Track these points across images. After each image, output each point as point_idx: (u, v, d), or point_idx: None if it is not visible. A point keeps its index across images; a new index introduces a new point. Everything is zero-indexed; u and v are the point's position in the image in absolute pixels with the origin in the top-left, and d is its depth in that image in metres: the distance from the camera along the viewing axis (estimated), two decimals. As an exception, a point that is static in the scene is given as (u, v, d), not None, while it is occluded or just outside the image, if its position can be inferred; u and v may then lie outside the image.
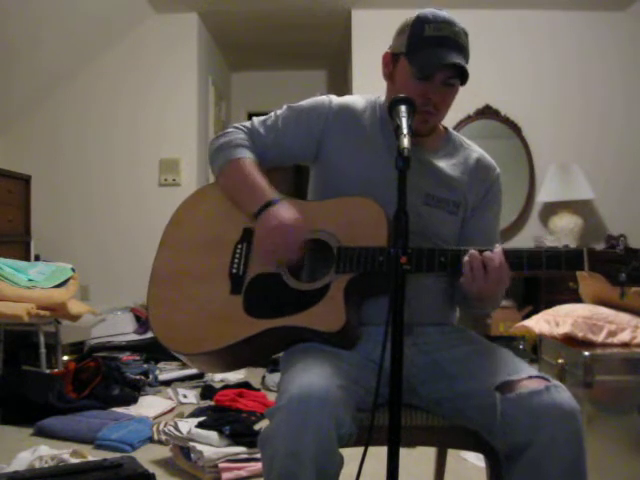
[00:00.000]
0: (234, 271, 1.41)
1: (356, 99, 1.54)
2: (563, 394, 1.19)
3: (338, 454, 1.12)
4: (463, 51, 1.38)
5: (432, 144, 1.51)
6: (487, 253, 1.25)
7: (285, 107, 1.56)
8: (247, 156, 1.49)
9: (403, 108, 1.28)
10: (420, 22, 1.38)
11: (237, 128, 1.55)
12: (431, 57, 1.35)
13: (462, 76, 1.39)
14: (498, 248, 1.26)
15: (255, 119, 1.56)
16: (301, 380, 1.15)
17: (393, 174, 1.29)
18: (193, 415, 2.84)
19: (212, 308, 1.39)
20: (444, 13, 1.39)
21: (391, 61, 1.46)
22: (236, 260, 1.42)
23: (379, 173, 1.41)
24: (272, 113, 1.56)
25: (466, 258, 1.26)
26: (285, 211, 1.38)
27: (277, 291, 1.36)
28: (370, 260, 1.31)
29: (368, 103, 1.53)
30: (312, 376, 1.16)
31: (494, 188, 1.54)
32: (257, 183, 1.44)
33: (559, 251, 1.25)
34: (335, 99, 1.53)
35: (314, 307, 1.31)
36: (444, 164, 1.49)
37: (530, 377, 1.24)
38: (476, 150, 1.57)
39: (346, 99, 1.54)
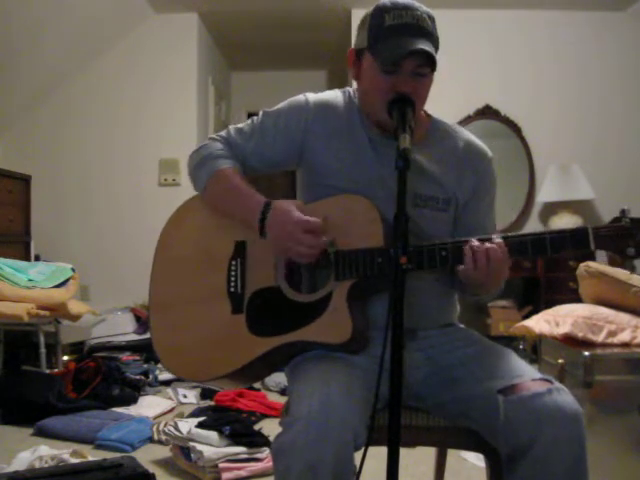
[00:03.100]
0: (232, 289, 1.38)
1: (334, 95, 1.48)
2: (565, 397, 1.19)
3: (354, 465, 1.11)
4: (428, 36, 1.29)
5: (415, 136, 1.40)
6: (490, 245, 1.21)
7: (261, 113, 1.50)
8: (229, 166, 1.44)
9: (403, 108, 1.28)
10: (379, 12, 1.31)
11: (213, 139, 1.51)
12: (394, 47, 1.27)
13: (431, 63, 1.29)
14: (499, 239, 1.21)
15: (231, 127, 1.52)
16: (321, 392, 1.14)
17: (379, 171, 1.29)
18: (193, 415, 2.84)
19: (216, 331, 1.37)
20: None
21: (356, 59, 1.39)
22: (232, 277, 1.39)
23: (367, 171, 1.38)
24: (249, 120, 1.51)
25: (467, 248, 1.22)
26: (289, 206, 1.34)
27: (279, 306, 1.34)
28: (369, 263, 1.27)
29: (345, 97, 1.47)
30: (332, 388, 1.15)
31: (486, 177, 1.46)
32: (246, 190, 1.40)
33: (564, 232, 1.20)
34: (312, 97, 1.47)
35: (319, 319, 1.28)
36: (430, 158, 1.42)
37: (533, 379, 1.23)
38: (463, 137, 1.48)
39: (323, 96, 1.48)
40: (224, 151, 1.47)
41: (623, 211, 1.19)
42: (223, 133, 1.52)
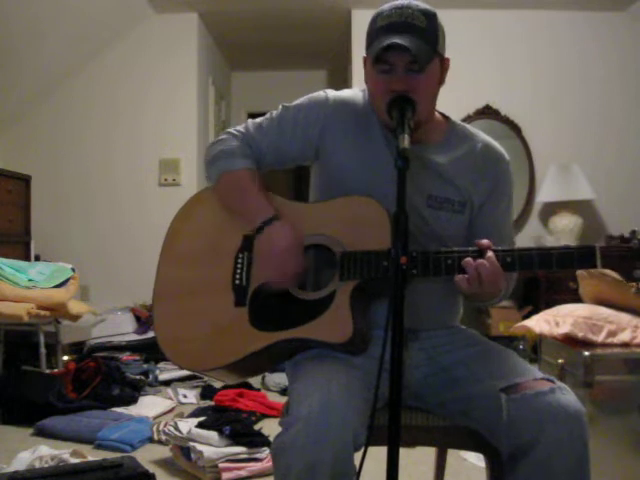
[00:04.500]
0: (237, 282, 1.39)
1: (354, 93, 1.49)
2: (568, 396, 1.20)
3: (353, 465, 1.11)
4: (416, 32, 1.27)
5: (432, 137, 1.43)
6: (480, 261, 1.21)
7: (280, 107, 1.51)
8: (243, 166, 1.45)
9: (402, 107, 1.28)
10: (375, 16, 1.33)
11: (231, 134, 1.51)
12: (378, 44, 1.28)
13: (418, 58, 1.27)
14: (490, 253, 1.21)
15: (250, 122, 1.52)
16: (321, 392, 1.14)
17: (394, 171, 1.28)
18: (193, 415, 2.84)
19: (217, 322, 1.37)
20: (403, 1, 1.31)
21: (365, 63, 1.41)
22: (238, 270, 1.40)
23: (382, 170, 1.37)
24: (268, 114, 1.51)
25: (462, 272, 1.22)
26: (278, 234, 1.35)
27: (282, 302, 1.34)
28: (374, 266, 1.28)
29: (364, 96, 1.47)
30: (332, 388, 1.15)
31: (502, 181, 1.47)
32: (250, 200, 1.41)
33: (570, 249, 1.20)
34: (332, 95, 1.48)
35: (320, 318, 1.28)
36: (447, 160, 1.42)
37: (535, 379, 1.24)
38: (481, 140, 1.48)
39: (344, 94, 1.49)
40: (240, 149, 1.47)
41: (634, 232, 1.18)
42: (241, 128, 1.52)
